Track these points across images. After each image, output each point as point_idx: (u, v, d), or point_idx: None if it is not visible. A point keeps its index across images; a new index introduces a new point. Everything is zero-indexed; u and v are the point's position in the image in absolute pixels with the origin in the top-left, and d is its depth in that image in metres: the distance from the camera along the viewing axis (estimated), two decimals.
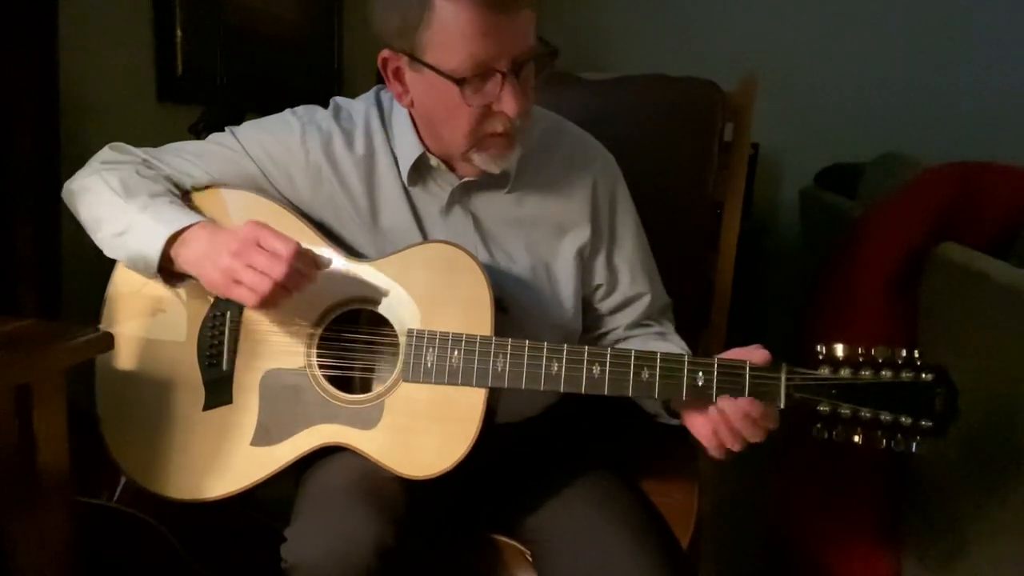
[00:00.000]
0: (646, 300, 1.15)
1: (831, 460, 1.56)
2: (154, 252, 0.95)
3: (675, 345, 1.12)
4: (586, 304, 1.14)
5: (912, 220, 1.47)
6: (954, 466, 1.30)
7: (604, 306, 1.15)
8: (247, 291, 0.91)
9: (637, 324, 1.16)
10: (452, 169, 1.05)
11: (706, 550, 1.27)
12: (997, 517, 1.22)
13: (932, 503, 1.38)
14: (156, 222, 0.96)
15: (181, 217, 0.97)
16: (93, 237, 1.02)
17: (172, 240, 0.95)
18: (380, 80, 1.02)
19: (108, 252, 1.01)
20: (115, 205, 0.98)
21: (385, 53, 0.96)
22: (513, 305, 1.05)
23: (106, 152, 1.07)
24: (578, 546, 0.97)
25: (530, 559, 1.05)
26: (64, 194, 1.06)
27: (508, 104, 0.92)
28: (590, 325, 1.16)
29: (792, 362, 0.90)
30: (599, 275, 1.13)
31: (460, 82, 0.91)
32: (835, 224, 2.03)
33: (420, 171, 1.06)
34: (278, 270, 0.90)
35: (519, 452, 1.02)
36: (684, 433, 0.98)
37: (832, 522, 1.54)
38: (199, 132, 1.71)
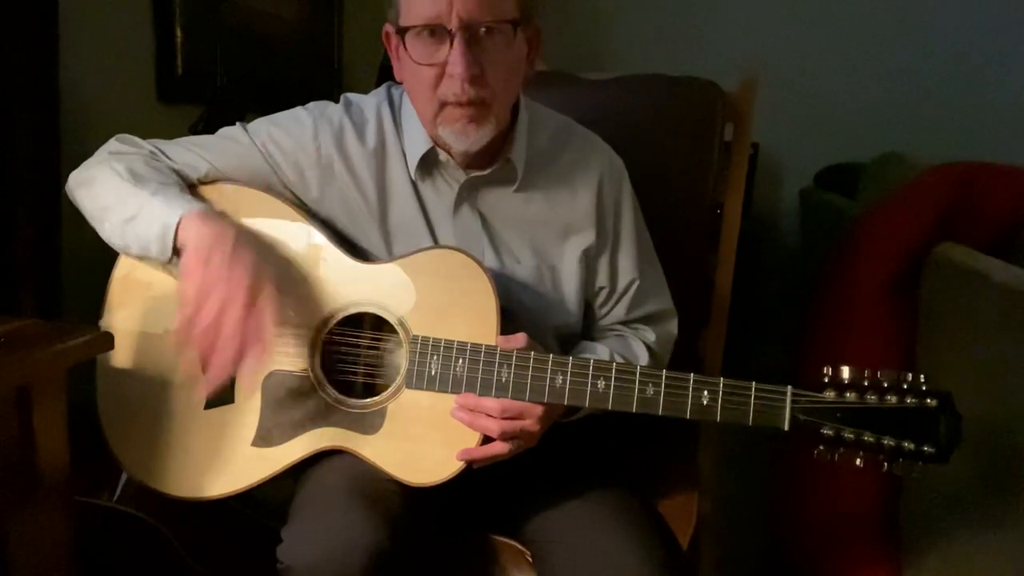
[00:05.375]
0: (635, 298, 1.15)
1: (831, 463, 1.56)
2: (168, 232, 0.92)
3: (616, 349, 1.11)
4: (587, 306, 1.14)
5: (912, 220, 1.47)
6: (953, 468, 1.30)
7: (605, 309, 1.15)
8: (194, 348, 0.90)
9: (625, 324, 1.16)
10: (460, 165, 1.05)
11: (706, 550, 1.27)
12: (998, 520, 1.22)
13: (932, 504, 1.38)
14: (168, 206, 0.94)
15: (193, 203, 0.96)
16: (99, 229, 1.00)
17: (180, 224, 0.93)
18: (381, 80, 1.02)
19: (117, 240, 0.98)
20: (124, 191, 0.97)
21: (386, 27, 0.99)
22: (517, 307, 1.05)
23: (113, 143, 1.06)
24: (578, 547, 0.97)
25: (530, 560, 1.04)
26: (69, 185, 1.04)
27: (454, 64, 0.92)
28: (589, 326, 1.16)
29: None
30: (602, 277, 1.13)
31: (403, 31, 0.94)
32: (835, 224, 2.03)
33: (428, 166, 1.06)
34: (227, 355, 0.88)
35: (519, 455, 1.01)
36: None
37: (832, 524, 1.54)
38: (199, 132, 1.71)
